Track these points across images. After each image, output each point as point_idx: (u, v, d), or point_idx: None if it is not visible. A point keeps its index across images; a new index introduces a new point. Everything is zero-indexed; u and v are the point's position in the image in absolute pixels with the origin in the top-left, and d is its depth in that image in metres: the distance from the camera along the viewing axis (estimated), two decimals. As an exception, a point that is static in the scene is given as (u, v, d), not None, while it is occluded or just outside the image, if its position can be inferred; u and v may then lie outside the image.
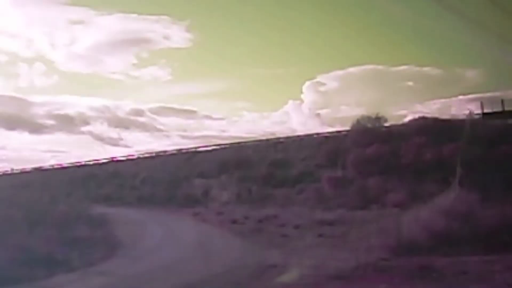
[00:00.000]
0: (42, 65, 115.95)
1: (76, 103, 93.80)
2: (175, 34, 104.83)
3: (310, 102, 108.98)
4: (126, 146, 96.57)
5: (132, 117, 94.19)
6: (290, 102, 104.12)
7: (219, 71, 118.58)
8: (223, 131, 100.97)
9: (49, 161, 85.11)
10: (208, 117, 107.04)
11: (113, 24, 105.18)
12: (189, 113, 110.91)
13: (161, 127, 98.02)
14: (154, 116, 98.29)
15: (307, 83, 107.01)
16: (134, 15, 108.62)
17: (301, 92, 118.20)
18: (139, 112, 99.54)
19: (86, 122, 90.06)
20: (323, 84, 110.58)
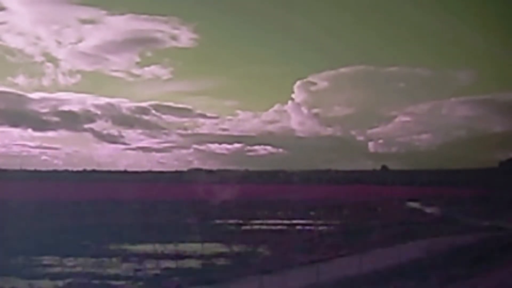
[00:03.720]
0: (46, 62, 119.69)
1: (76, 101, 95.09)
2: (183, 34, 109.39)
3: (301, 102, 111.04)
4: (124, 143, 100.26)
5: (133, 115, 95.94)
6: (290, 102, 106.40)
7: (219, 70, 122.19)
8: (223, 129, 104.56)
9: (40, 157, 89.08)
10: (202, 115, 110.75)
11: (123, 24, 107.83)
12: (185, 111, 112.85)
13: (162, 125, 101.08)
14: (157, 114, 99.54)
15: (298, 82, 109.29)
16: (145, 16, 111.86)
17: (292, 92, 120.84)
18: (142, 110, 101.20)
19: (91, 120, 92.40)
20: (314, 83, 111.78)
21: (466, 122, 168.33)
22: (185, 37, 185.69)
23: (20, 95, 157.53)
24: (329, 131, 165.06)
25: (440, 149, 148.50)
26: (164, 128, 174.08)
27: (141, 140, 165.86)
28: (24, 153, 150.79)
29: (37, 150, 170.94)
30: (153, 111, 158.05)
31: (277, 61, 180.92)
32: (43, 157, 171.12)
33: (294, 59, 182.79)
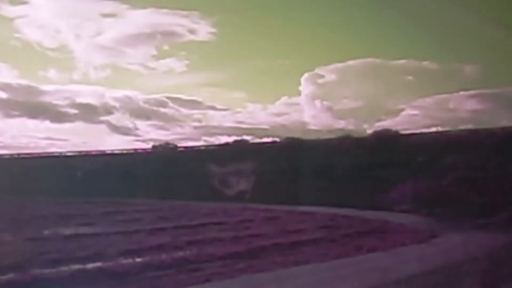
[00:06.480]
0: (63, 55, 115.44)
1: (90, 93, 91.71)
2: (202, 29, 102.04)
3: (309, 94, 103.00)
4: (137, 136, 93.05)
5: (148, 107, 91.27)
6: (303, 95, 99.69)
7: (230, 63, 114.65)
8: (239, 122, 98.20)
9: (49, 149, 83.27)
10: (212, 107, 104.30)
11: (143, 18, 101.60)
12: (195, 104, 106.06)
13: (175, 117, 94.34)
14: (173, 106, 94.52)
15: (306, 74, 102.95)
16: (166, 10, 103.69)
17: (299, 84, 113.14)
18: (153, 103, 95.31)
19: (109, 112, 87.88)
20: (322, 76, 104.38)
21: (473, 116, 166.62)
22: (204, 31, 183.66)
23: (39, 88, 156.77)
24: (341, 124, 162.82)
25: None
26: (179, 120, 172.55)
27: (149, 132, 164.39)
28: (32, 144, 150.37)
29: (45, 142, 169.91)
30: (169, 103, 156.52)
31: (284, 54, 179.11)
32: (52, 149, 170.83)
33: (302, 52, 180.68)
